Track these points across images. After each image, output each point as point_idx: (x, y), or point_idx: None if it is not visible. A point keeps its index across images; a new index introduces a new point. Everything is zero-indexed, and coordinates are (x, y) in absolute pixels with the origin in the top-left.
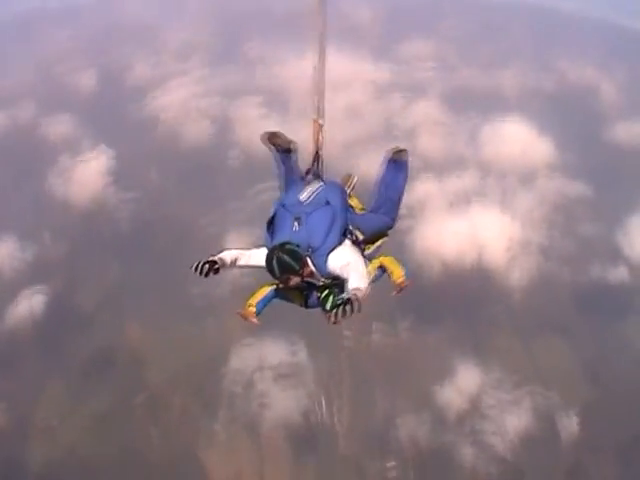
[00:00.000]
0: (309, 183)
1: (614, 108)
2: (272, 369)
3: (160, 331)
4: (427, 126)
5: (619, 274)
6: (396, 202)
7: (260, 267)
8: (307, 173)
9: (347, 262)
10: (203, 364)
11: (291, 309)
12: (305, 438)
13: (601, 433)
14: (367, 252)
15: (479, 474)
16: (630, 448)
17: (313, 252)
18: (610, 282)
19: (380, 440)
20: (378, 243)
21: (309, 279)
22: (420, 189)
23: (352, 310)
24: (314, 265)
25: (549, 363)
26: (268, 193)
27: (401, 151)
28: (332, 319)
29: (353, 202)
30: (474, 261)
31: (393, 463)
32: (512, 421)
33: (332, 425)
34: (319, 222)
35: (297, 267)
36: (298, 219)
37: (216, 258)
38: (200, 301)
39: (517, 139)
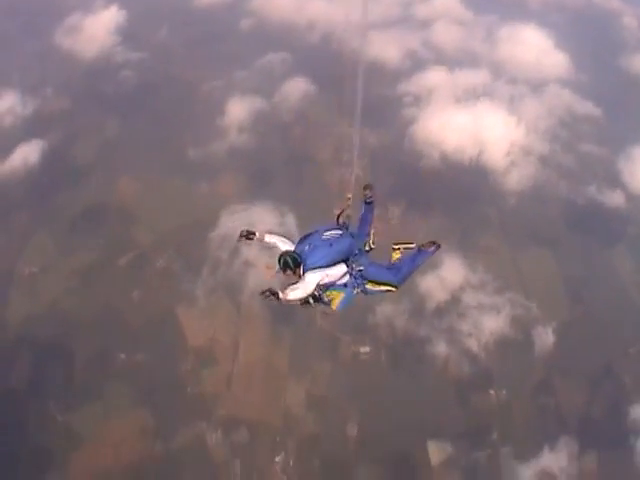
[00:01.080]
0: (339, 228)
1: (634, 39)
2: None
3: (153, 190)
4: (445, 19)
5: (615, 199)
6: (407, 273)
7: None
8: (340, 222)
9: (304, 280)
10: (192, 227)
11: (285, 182)
12: (284, 309)
13: (575, 356)
14: (369, 287)
15: (450, 369)
16: (601, 378)
17: (304, 265)
18: (605, 205)
19: (357, 322)
20: (382, 288)
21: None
22: (430, 80)
23: (269, 299)
24: (302, 271)
25: (533, 274)
26: (276, 64)
27: (432, 244)
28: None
29: (395, 255)
30: (473, 158)
31: (367, 349)
32: (489, 325)
33: None
34: (316, 253)
35: (292, 266)
36: (310, 245)
37: (258, 233)
38: (196, 163)
39: (533, 47)
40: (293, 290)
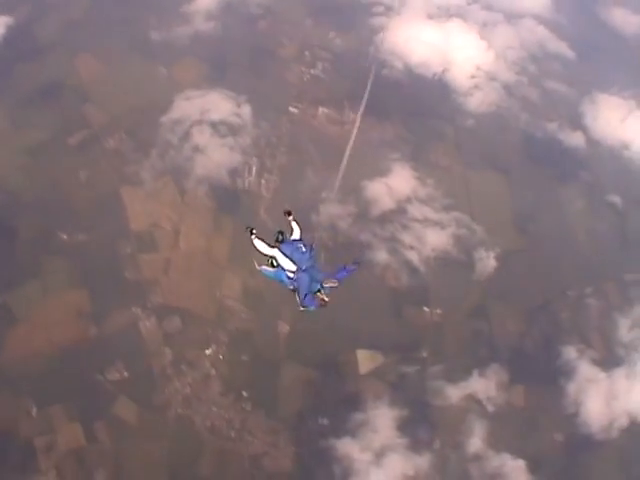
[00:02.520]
0: (307, 246)
1: None
2: (212, 125)
3: (110, 70)
4: None
5: (574, 139)
6: (309, 305)
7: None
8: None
9: (271, 248)
10: (145, 109)
11: (244, 74)
12: (229, 198)
13: (514, 286)
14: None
15: (387, 279)
16: (537, 313)
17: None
18: (564, 144)
19: (300, 219)
20: (298, 300)
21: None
22: None
23: (247, 232)
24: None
25: (483, 197)
26: None
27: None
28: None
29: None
30: (437, 74)
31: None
32: (432, 241)
33: (257, 192)
34: (285, 245)
35: (276, 240)
36: (290, 240)
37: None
38: (157, 47)
39: None
40: (259, 243)
